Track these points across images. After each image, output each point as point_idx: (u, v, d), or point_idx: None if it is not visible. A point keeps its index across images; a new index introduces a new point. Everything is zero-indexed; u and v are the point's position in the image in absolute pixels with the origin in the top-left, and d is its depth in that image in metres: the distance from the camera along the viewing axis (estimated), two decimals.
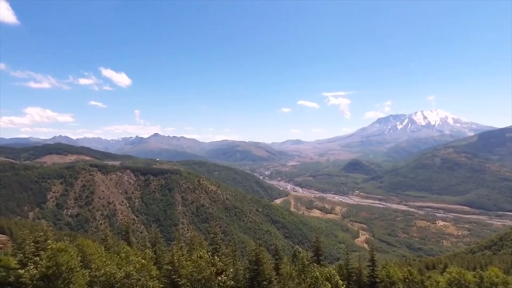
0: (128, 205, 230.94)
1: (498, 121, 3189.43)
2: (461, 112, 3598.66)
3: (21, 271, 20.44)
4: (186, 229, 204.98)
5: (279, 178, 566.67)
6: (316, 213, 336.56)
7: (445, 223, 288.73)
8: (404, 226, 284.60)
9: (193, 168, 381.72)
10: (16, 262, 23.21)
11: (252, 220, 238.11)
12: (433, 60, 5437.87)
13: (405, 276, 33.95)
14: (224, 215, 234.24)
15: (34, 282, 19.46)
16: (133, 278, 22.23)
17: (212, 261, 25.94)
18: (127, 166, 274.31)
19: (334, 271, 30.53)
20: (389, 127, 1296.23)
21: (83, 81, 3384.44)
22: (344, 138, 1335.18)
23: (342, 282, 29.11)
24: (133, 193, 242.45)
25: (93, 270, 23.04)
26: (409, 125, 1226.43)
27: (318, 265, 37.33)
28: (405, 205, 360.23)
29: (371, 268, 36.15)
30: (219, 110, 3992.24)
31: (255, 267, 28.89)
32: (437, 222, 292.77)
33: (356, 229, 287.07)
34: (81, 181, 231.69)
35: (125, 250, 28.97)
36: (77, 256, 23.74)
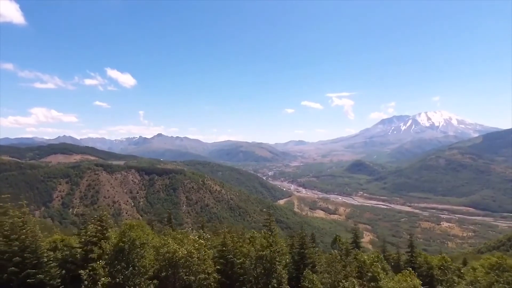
0: (133, 204, 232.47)
1: (503, 122, 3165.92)
2: (466, 113, 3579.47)
3: (95, 247, 21.75)
4: (190, 228, 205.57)
5: (282, 179, 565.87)
6: (319, 213, 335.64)
7: (450, 224, 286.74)
8: (409, 227, 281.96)
9: (197, 168, 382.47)
10: (78, 241, 24.55)
11: (256, 220, 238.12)
12: (438, 60, 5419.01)
13: (441, 263, 33.96)
14: (228, 215, 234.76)
15: (109, 255, 20.61)
16: (194, 257, 23.18)
17: (273, 240, 26.63)
18: (132, 166, 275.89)
19: (382, 255, 31.04)
20: (393, 128, 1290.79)
21: (88, 82, 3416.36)
22: (348, 139, 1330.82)
23: (387, 267, 29.47)
24: (138, 193, 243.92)
25: (157, 247, 24.13)
26: (413, 126, 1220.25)
27: (358, 250, 38.11)
28: (409, 206, 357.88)
29: (410, 254, 36.98)
30: (223, 110, 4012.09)
31: (301, 250, 30.05)
32: (441, 223, 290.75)
33: (360, 230, 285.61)
34: (87, 180, 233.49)
35: (180, 231, 30.13)
36: (146, 233, 25.13)
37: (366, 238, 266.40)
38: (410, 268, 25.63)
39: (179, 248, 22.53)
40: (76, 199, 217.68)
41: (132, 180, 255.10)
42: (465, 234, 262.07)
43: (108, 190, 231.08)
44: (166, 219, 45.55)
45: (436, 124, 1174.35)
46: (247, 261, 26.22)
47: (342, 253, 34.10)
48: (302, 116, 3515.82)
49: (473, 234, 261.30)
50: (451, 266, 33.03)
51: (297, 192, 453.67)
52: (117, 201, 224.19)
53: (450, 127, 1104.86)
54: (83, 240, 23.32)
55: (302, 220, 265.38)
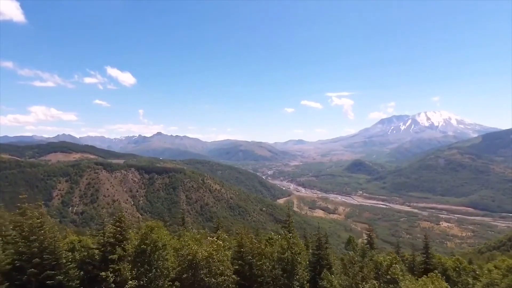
0: (132, 203, 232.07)
1: (502, 123, 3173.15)
2: (465, 113, 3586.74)
3: (118, 248, 21.62)
4: (190, 228, 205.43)
5: (281, 178, 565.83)
6: (319, 213, 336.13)
7: (449, 224, 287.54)
8: (408, 227, 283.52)
9: (196, 167, 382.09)
10: (93, 242, 24.58)
11: (256, 219, 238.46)
12: (438, 61, 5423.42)
13: (455, 264, 33.71)
14: (228, 214, 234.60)
15: (130, 258, 20.47)
16: (214, 258, 23.08)
17: (294, 241, 26.27)
18: (132, 165, 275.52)
19: (398, 257, 30.68)
20: (392, 127, 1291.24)
21: (88, 80, 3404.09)
22: (347, 138, 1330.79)
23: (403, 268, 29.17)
24: (137, 191, 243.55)
25: (177, 249, 24.21)
26: (412, 126, 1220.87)
27: (372, 250, 37.78)
28: (409, 206, 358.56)
29: (425, 255, 36.36)
30: (222, 109, 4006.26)
31: (318, 251, 29.78)
32: (441, 223, 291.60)
33: (359, 229, 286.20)
34: (86, 179, 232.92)
35: (199, 232, 29.86)
36: (166, 235, 25.06)
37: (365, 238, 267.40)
38: (436, 271, 25.48)
39: (199, 250, 22.34)
40: (76, 197, 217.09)
41: (132, 179, 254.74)
42: (464, 234, 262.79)
43: (107, 189, 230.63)
44: (180, 220, 45.23)
45: (436, 124, 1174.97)
46: (266, 263, 25.82)
47: (358, 254, 34.01)
48: (302, 115, 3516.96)
49: (472, 234, 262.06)
50: (466, 268, 32.92)
51: (297, 191, 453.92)
52: (117, 200, 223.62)
53: (450, 127, 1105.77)
54: (101, 241, 23.09)
55: (302, 219, 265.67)
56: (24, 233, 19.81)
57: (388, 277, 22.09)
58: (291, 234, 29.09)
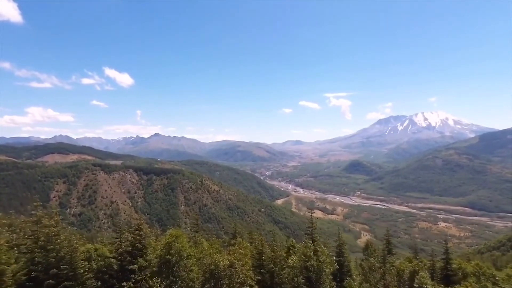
0: (131, 204, 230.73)
1: (499, 123, 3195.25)
2: (462, 113, 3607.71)
3: (140, 259, 20.94)
4: (189, 229, 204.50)
5: (280, 179, 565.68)
6: (317, 213, 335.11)
7: (447, 224, 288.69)
8: (406, 227, 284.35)
9: (194, 168, 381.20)
10: (110, 250, 24.00)
11: (254, 220, 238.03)
12: (435, 61, 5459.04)
13: (475, 270, 33.17)
14: (226, 215, 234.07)
15: (153, 269, 19.83)
16: (237, 267, 22.41)
17: (318, 249, 25.24)
18: (130, 166, 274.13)
19: (421, 264, 29.73)
20: (390, 128, 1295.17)
21: (86, 81, 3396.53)
22: (345, 139, 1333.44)
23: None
24: (135, 193, 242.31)
25: (199, 258, 23.43)
26: (410, 126, 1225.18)
27: (391, 256, 36.91)
28: (407, 206, 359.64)
29: (445, 261, 35.32)
30: (220, 110, 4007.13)
31: (338, 258, 29.03)
32: (439, 223, 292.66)
33: (358, 230, 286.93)
34: (84, 180, 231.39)
35: (211, 238, 28.88)
36: (189, 245, 24.29)
37: (364, 238, 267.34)
38: (471, 280, 24.95)
39: (221, 259, 21.86)
40: (73, 199, 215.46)
41: (130, 180, 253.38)
42: (462, 234, 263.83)
43: (106, 190, 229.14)
44: (193, 226, 42.73)
45: (433, 124, 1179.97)
46: (288, 271, 25.12)
47: (378, 260, 33.27)
48: (300, 116, 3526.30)
49: (470, 234, 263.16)
50: (486, 273, 32.47)
51: (295, 192, 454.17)
52: (115, 201, 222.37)
53: (447, 127, 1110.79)
54: (119, 250, 22.37)
55: (300, 220, 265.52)
56: (40, 242, 19.19)
57: (416, 285, 21.59)
58: (313, 242, 28.45)
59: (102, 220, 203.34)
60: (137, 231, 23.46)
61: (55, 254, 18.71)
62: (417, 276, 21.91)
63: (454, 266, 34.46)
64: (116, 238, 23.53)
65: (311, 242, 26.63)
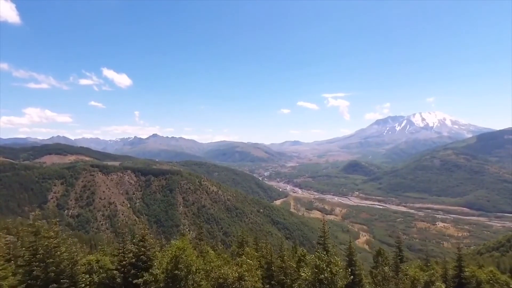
0: (129, 205, 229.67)
1: (496, 123, 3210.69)
2: (460, 113, 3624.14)
3: (146, 274, 20.25)
4: (187, 230, 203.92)
5: (278, 179, 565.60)
6: (316, 214, 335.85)
7: (445, 224, 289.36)
8: (404, 228, 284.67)
9: (193, 168, 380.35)
10: (112, 262, 23.08)
11: (253, 221, 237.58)
12: (433, 62, 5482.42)
13: (489, 277, 32.64)
14: (225, 216, 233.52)
15: (160, 284, 19.22)
16: (245, 280, 21.61)
17: (332, 260, 24.03)
18: (128, 167, 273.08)
19: (437, 273, 28.69)
20: (388, 128, 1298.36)
21: (83, 82, 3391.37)
22: (343, 139, 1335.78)
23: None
24: (134, 194, 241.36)
25: (207, 270, 22.60)
26: (408, 127, 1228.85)
27: (402, 263, 35.91)
28: (405, 206, 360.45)
29: (458, 268, 34.21)
30: (219, 111, 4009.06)
31: (349, 267, 27.68)
32: (437, 223, 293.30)
33: (356, 230, 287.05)
34: (82, 181, 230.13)
35: (222, 249, 27.95)
36: (197, 257, 23.10)
37: (363, 239, 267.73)
38: None
39: (230, 271, 21.43)
40: (71, 200, 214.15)
41: (128, 181, 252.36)
42: (460, 234, 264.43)
43: (104, 191, 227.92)
44: (198, 235, 40.98)
45: (431, 124, 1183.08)
46: (299, 283, 24.36)
47: (391, 269, 32.50)
48: (298, 116, 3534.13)
49: (468, 234, 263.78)
50: (499, 280, 31.80)
51: (293, 192, 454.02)
52: (113, 202, 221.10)
53: (444, 127, 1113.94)
54: (122, 262, 21.79)
55: (299, 220, 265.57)
56: (39, 255, 18.57)
57: None
58: (326, 252, 27.43)
59: (100, 222, 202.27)
60: (141, 242, 22.86)
61: (54, 268, 18.16)
62: (432, 287, 21.48)
63: (467, 273, 33.26)
64: (119, 250, 22.96)
65: (324, 253, 25.69)
